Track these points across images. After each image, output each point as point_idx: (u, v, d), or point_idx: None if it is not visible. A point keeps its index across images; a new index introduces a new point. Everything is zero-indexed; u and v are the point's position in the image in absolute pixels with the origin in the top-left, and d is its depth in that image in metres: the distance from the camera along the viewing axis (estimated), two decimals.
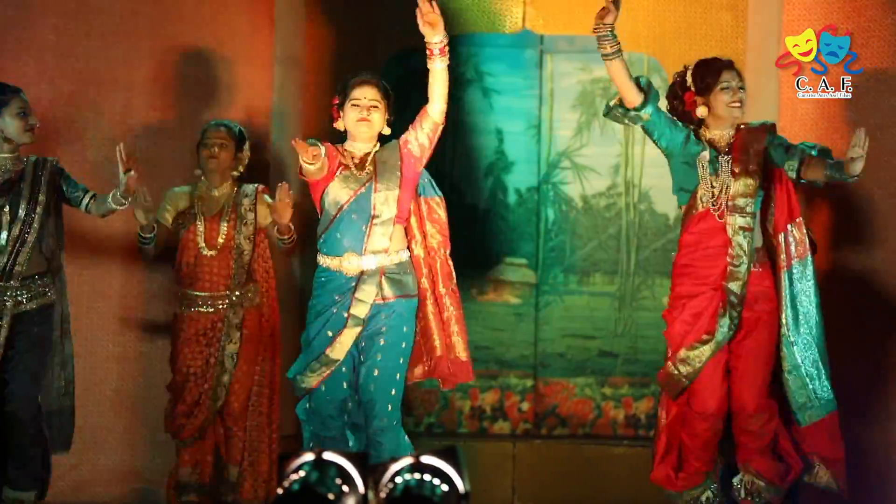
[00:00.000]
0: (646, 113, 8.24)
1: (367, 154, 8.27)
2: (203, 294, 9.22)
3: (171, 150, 9.69)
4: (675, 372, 8.21)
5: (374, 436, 7.97)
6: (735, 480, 8.27)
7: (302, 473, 5.93)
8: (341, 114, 8.30)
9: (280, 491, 5.94)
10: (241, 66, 10.26)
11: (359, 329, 8.06)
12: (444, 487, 5.92)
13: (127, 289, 10.04)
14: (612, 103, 8.36)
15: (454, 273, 8.40)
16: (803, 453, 8.35)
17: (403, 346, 8.09)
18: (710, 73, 8.39)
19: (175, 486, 9.34)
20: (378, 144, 8.34)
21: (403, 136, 8.31)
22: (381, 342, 8.05)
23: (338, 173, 8.18)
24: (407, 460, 6.05)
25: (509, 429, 11.27)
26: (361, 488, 5.96)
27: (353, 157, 8.27)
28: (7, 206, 8.34)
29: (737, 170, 8.26)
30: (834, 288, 9.31)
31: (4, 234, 8.33)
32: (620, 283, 11.31)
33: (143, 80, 10.14)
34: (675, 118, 8.38)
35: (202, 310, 9.25)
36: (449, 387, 8.38)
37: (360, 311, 8.04)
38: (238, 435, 9.34)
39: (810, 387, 8.18)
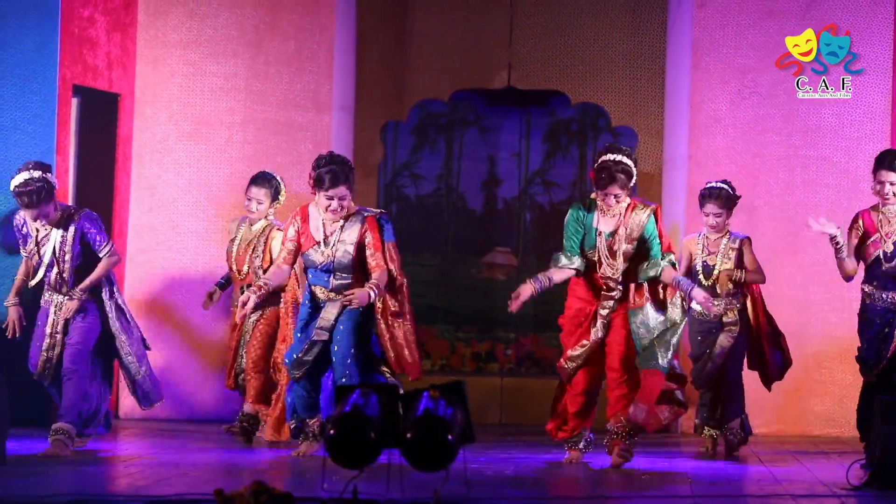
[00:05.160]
0: (579, 266, 7.97)
1: (335, 224, 7.94)
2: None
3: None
4: (566, 366, 8.01)
5: None
6: (608, 427, 7.99)
7: (352, 400, 6.39)
8: (318, 193, 7.89)
9: (338, 412, 6.37)
10: (309, 112, 10.25)
11: (327, 335, 7.95)
12: (453, 409, 6.41)
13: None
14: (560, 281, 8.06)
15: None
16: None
17: (357, 336, 7.93)
18: (598, 176, 7.86)
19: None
20: (344, 214, 7.96)
21: (370, 235, 7.90)
22: (338, 336, 7.93)
23: (312, 248, 7.94)
24: (426, 392, 6.47)
25: (498, 368, 11.29)
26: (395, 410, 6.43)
27: (324, 232, 7.96)
28: (49, 245, 8.08)
29: (615, 242, 7.91)
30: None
31: (55, 269, 8.10)
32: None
33: (239, 122, 10.29)
34: (573, 228, 7.98)
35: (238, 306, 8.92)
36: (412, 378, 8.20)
37: (327, 323, 7.97)
38: (251, 383, 8.99)
39: (658, 351, 7.85)
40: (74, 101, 9.74)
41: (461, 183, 11.40)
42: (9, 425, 7.73)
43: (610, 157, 7.89)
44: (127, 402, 9.91)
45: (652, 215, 7.91)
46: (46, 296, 8.24)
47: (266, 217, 9.05)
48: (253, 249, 8.96)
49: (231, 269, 9.10)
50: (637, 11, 10.72)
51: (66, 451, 8.01)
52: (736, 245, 8.79)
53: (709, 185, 8.88)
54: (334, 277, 7.99)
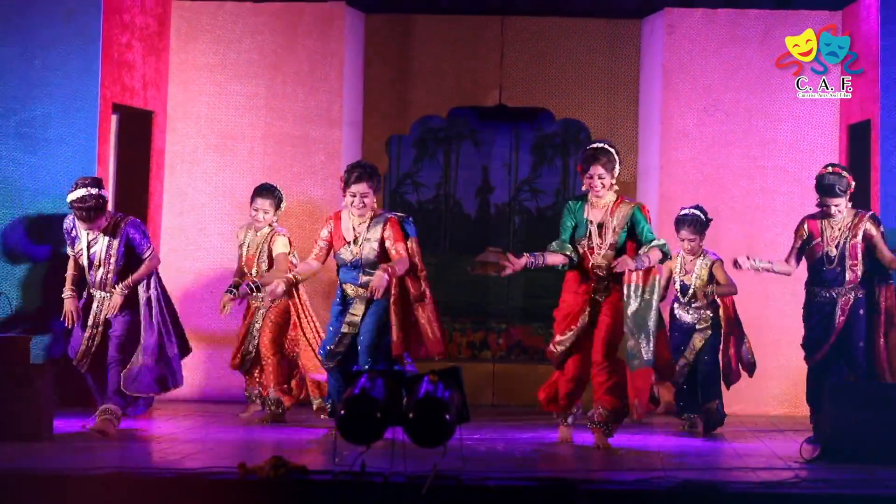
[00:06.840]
0: (571, 255, 7.94)
1: (362, 225, 7.99)
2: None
3: (279, 180, 9.64)
4: (555, 350, 8.01)
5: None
6: (589, 414, 7.90)
7: (360, 384, 6.46)
8: (345, 194, 7.97)
9: (348, 394, 6.44)
10: (322, 127, 10.25)
11: (353, 328, 8.00)
12: (451, 392, 6.48)
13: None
14: (561, 268, 8.00)
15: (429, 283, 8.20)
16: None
17: (376, 325, 7.94)
18: (583, 160, 7.93)
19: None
20: (371, 215, 8.02)
21: (389, 230, 7.94)
22: (364, 329, 7.98)
23: (343, 248, 8.00)
24: (427, 376, 6.54)
25: (491, 355, 11.17)
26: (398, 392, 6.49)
27: (353, 232, 8.01)
28: (97, 248, 8.16)
29: (601, 232, 7.89)
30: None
31: (102, 269, 8.18)
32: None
33: (261, 136, 10.30)
34: (567, 220, 7.98)
35: (251, 298, 8.96)
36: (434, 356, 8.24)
37: (355, 318, 8.03)
38: (268, 368, 8.96)
39: (641, 348, 7.73)
40: (114, 118, 9.76)
41: (458, 190, 11.33)
42: (56, 404, 7.79)
43: (593, 145, 8.00)
44: None
45: (637, 209, 7.89)
46: (91, 291, 8.32)
47: (270, 224, 9.04)
48: (260, 253, 8.98)
49: (241, 272, 9.07)
50: (614, 37, 10.72)
51: (113, 430, 8.02)
52: (707, 265, 8.91)
53: (683, 213, 8.91)
54: (363, 273, 8.02)
